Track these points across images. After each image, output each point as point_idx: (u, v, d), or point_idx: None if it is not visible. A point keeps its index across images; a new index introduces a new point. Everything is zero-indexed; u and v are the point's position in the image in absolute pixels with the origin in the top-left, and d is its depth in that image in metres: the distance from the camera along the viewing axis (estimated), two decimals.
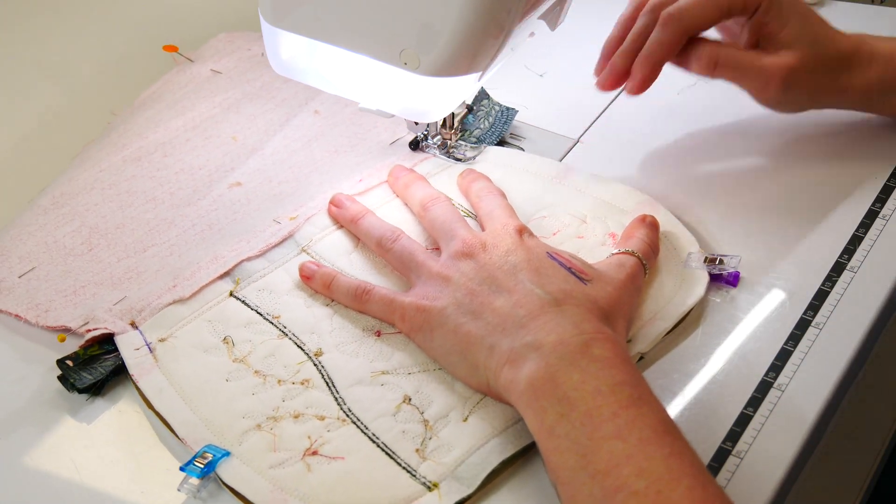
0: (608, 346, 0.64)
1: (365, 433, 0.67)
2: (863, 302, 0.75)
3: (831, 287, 0.76)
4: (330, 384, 0.70)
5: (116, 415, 0.69)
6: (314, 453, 0.66)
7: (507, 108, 0.90)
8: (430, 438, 0.67)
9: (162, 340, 0.72)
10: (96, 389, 0.70)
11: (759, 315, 0.75)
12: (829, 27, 0.85)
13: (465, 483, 0.64)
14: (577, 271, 0.70)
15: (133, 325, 0.73)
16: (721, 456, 0.66)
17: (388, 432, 0.67)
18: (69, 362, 0.71)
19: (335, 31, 0.73)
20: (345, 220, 0.80)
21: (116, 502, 0.65)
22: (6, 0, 1.06)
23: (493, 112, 0.90)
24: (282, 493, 0.64)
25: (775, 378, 0.70)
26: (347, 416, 0.68)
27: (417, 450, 0.66)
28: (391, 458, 0.66)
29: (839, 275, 0.77)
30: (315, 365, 0.71)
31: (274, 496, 0.63)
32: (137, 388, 0.70)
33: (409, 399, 0.69)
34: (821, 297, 0.75)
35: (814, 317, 0.74)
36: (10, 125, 0.93)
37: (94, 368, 0.71)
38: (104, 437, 0.68)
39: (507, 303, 0.68)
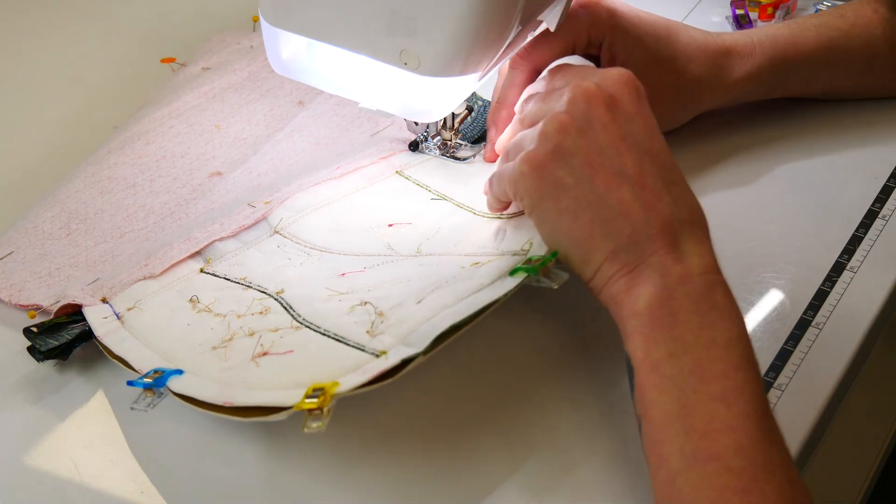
0: (727, 293, 0.62)
1: (317, 331, 0.66)
2: (863, 302, 0.75)
3: (831, 287, 0.76)
4: (288, 308, 0.69)
5: (95, 404, 0.70)
6: (264, 354, 0.65)
7: (489, 102, 0.90)
8: (382, 322, 0.65)
9: (129, 309, 0.72)
10: (61, 353, 0.70)
11: (758, 315, 0.75)
12: (692, 39, 0.84)
13: (413, 346, 0.62)
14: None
15: (104, 300, 0.73)
16: None
17: (340, 327, 0.66)
18: (34, 329, 0.71)
19: (335, 31, 0.73)
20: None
21: (110, 498, 0.65)
22: (6, 15, 1.07)
23: (476, 106, 0.90)
24: (229, 388, 0.62)
25: (775, 378, 0.70)
26: (301, 324, 0.67)
27: (368, 331, 0.65)
28: (341, 342, 0.64)
29: (839, 275, 0.77)
30: (276, 299, 0.71)
31: (221, 390, 0.62)
32: (102, 346, 0.69)
33: (365, 302, 0.68)
34: (821, 297, 0.75)
35: (814, 317, 0.74)
36: (12, 141, 0.93)
37: (60, 335, 0.71)
38: (83, 427, 0.69)
39: (635, 199, 0.63)
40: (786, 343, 0.72)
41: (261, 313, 0.69)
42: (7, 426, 0.69)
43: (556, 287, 0.65)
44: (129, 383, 0.64)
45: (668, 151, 0.66)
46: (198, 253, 0.77)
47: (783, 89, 0.89)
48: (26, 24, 1.07)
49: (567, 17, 0.81)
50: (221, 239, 0.78)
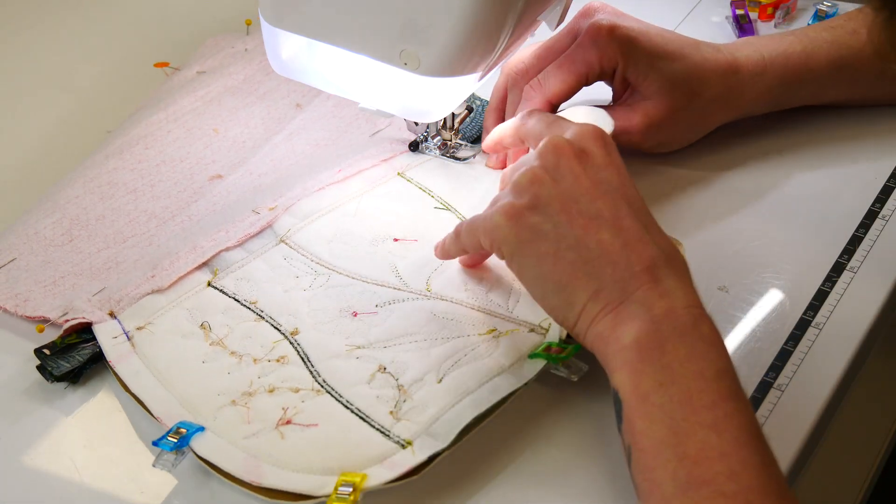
0: (712, 326, 0.63)
1: (339, 401, 0.67)
2: (863, 302, 0.75)
3: (831, 287, 0.76)
4: (305, 359, 0.70)
5: (95, 404, 0.70)
6: (288, 422, 0.66)
7: (486, 102, 0.90)
8: (405, 401, 0.66)
9: (139, 328, 0.72)
10: (73, 377, 0.70)
11: (758, 315, 0.75)
12: (704, 60, 0.84)
13: (439, 439, 0.64)
14: None
15: (112, 314, 0.73)
16: None
17: (362, 399, 0.67)
18: (46, 351, 0.71)
19: (335, 31, 0.73)
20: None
21: (110, 499, 0.65)
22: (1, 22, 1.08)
23: (476, 106, 0.90)
24: (255, 461, 0.63)
25: (775, 378, 0.70)
26: (322, 386, 0.68)
27: (391, 412, 0.66)
28: (364, 421, 0.65)
29: (839, 275, 0.77)
30: (291, 343, 0.71)
31: (247, 463, 0.63)
32: (115, 374, 0.70)
33: (384, 368, 0.69)
34: (821, 297, 0.75)
35: (814, 317, 0.74)
36: (4, 144, 0.93)
37: (72, 356, 0.71)
38: (84, 427, 0.69)
39: (614, 239, 0.64)
40: (786, 343, 0.72)
41: (278, 361, 0.70)
42: (7, 426, 0.69)
43: (575, 379, 0.67)
44: (154, 443, 0.64)
45: (642, 199, 0.67)
46: (204, 263, 0.77)
47: (791, 103, 0.89)
48: (18, 28, 1.07)
49: (578, 47, 0.82)
50: (227, 249, 0.78)
